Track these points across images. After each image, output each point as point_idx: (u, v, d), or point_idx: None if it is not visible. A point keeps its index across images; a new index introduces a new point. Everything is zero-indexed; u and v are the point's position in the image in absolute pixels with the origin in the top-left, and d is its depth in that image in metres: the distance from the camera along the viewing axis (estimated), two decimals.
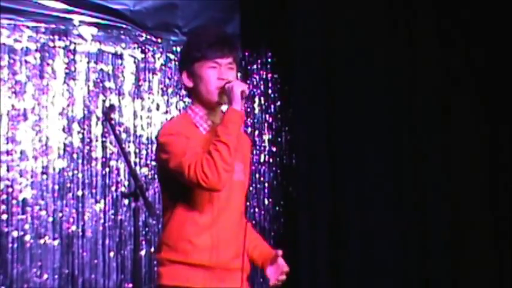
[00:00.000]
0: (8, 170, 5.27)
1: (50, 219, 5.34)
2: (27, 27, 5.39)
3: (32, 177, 5.33)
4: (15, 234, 5.25)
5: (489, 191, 6.02)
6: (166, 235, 3.53)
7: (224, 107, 3.57)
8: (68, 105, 5.44)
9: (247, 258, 3.62)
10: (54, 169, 5.38)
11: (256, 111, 5.93)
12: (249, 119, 5.80)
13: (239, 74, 3.67)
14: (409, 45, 6.09)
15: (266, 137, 5.96)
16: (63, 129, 5.42)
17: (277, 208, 5.79)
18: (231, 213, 3.54)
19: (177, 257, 3.49)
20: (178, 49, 5.74)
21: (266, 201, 5.88)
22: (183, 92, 5.73)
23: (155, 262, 3.73)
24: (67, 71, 5.47)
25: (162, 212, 3.59)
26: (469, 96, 6.06)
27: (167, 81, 5.73)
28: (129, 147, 5.55)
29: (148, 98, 5.66)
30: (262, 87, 5.97)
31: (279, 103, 5.97)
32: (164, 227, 3.55)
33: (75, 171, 5.42)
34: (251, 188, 5.72)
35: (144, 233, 5.50)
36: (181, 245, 3.48)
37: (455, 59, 6.07)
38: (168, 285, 3.49)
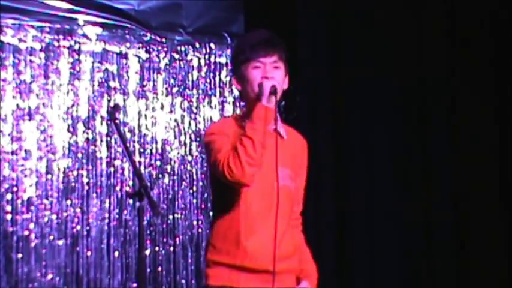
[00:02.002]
0: (12, 170, 5.28)
1: (55, 218, 5.35)
2: (32, 26, 5.40)
3: (36, 176, 5.34)
4: (20, 233, 5.26)
5: (499, 184, 5.99)
6: (212, 237, 3.58)
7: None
8: (73, 105, 5.45)
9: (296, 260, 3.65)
10: (58, 169, 5.39)
11: None
12: None
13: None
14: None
15: None
16: (68, 129, 5.43)
17: None
18: (276, 217, 3.54)
19: (221, 259, 3.53)
20: (183, 48, 5.77)
21: None
22: (188, 92, 5.79)
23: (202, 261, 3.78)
24: (72, 70, 5.48)
25: (212, 214, 3.65)
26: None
27: (172, 81, 5.73)
28: (133, 147, 5.56)
29: (153, 98, 5.67)
30: None
31: (283, 103, 5.96)
32: (211, 228, 3.61)
33: (80, 171, 5.43)
34: None
35: (148, 232, 5.52)
36: (226, 247, 3.52)
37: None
38: (215, 285, 3.53)
